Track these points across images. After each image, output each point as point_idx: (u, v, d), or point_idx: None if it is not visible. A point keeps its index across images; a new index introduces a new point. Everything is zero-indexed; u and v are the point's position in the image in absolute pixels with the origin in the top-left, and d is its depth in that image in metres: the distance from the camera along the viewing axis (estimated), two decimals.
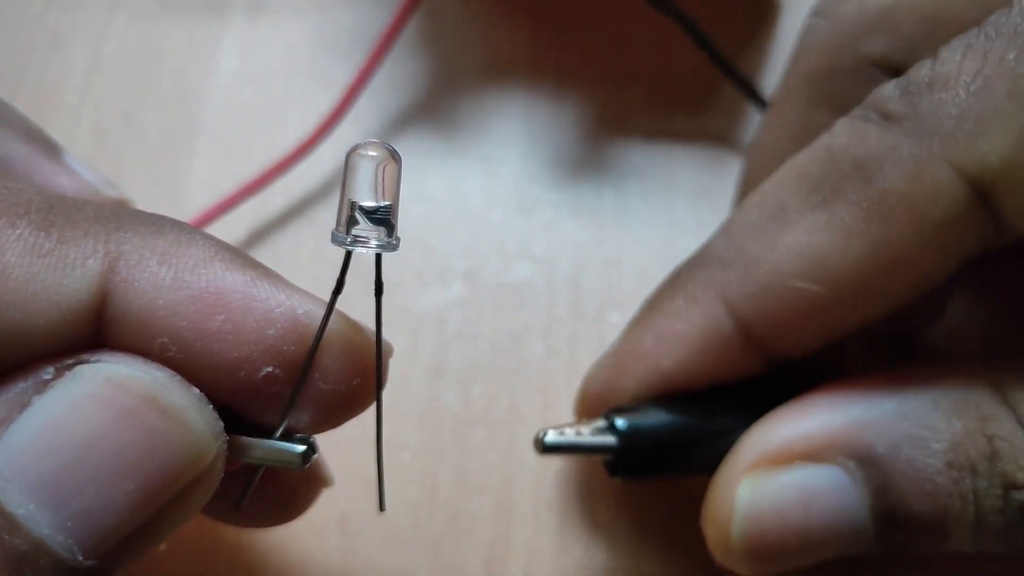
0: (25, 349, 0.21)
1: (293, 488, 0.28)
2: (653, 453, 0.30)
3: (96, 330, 0.22)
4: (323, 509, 0.30)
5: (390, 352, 0.25)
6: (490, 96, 0.41)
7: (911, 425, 0.26)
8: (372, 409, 0.25)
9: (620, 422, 0.29)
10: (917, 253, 0.26)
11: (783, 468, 0.27)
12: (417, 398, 0.35)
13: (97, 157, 0.38)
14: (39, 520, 0.20)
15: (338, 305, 0.23)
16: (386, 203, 0.22)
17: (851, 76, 0.31)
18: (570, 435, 0.30)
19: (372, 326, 0.24)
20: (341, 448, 0.31)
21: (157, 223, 0.23)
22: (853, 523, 0.26)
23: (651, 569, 0.33)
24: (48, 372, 0.21)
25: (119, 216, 0.22)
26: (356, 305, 0.24)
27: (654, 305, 0.31)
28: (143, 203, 0.32)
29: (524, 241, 0.38)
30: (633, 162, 0.40)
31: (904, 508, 0.26)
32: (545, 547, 0.33)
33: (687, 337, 0.29)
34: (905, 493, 0.26)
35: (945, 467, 0.25)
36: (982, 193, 0.25)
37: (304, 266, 0.37)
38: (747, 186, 0.35)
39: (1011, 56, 0.24)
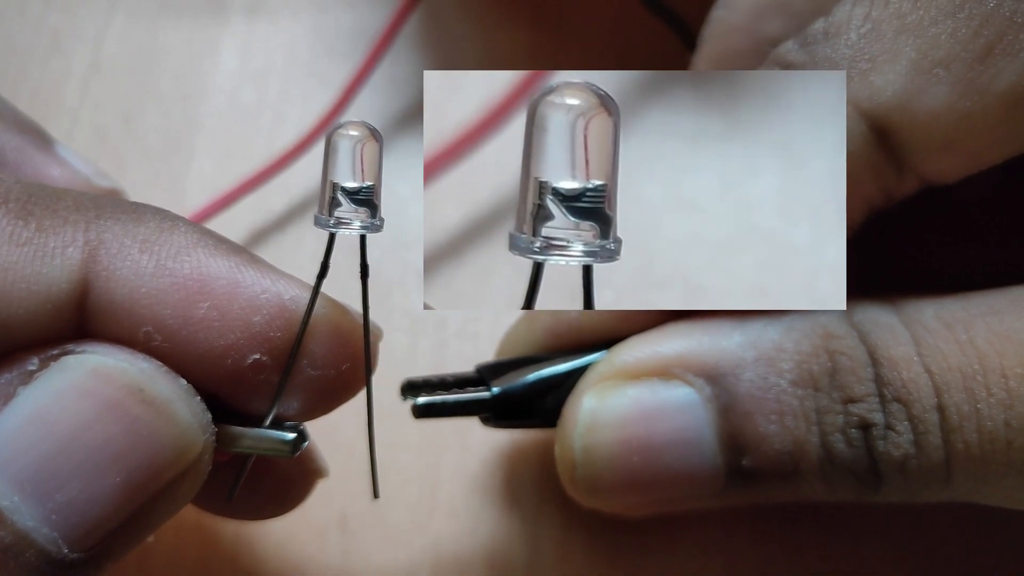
0: (5, 339, 0.21)
1: (287, 479, 0.27)
2: (527, 398, 0.28)
3: (79, 320, 0.21)
4: (323, 508, 0.30)
5: (379, 335, 0.24)
6: None
7: (762, 346, 0.26)
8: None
9: (492, 380, 0.28)
10: None
11: (630, 382, 0.27)
12: None
13: (97, 157, 0.37)
14: (23, 512, 0.19)
15: (326, 291, 0.22)
16: (368, 183, 0.21)
17: (752, 57, 0.31)
18: (442, 395, 0.28)
19: (360, 310, 0.24)
20: (340, 447, 0.30)
21: (138, 211, 0.22)
22: (699, 446, 0.26)
23: (658, 567, 0.32)
24: (33, 363, 0.21)
25: (99, 205, 0.22)
26: (352, 293, 0.24)
27: None
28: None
29: None
30: None
31: (751, 429, 0.26)
32: (547, 545, 0.32)
33: None
34: (752, 414, 0.26)
35: (790, 386, 0.26)
36: (880, 130, 0.25)
37: (304, 265, 0.37)
38: None
39: None
